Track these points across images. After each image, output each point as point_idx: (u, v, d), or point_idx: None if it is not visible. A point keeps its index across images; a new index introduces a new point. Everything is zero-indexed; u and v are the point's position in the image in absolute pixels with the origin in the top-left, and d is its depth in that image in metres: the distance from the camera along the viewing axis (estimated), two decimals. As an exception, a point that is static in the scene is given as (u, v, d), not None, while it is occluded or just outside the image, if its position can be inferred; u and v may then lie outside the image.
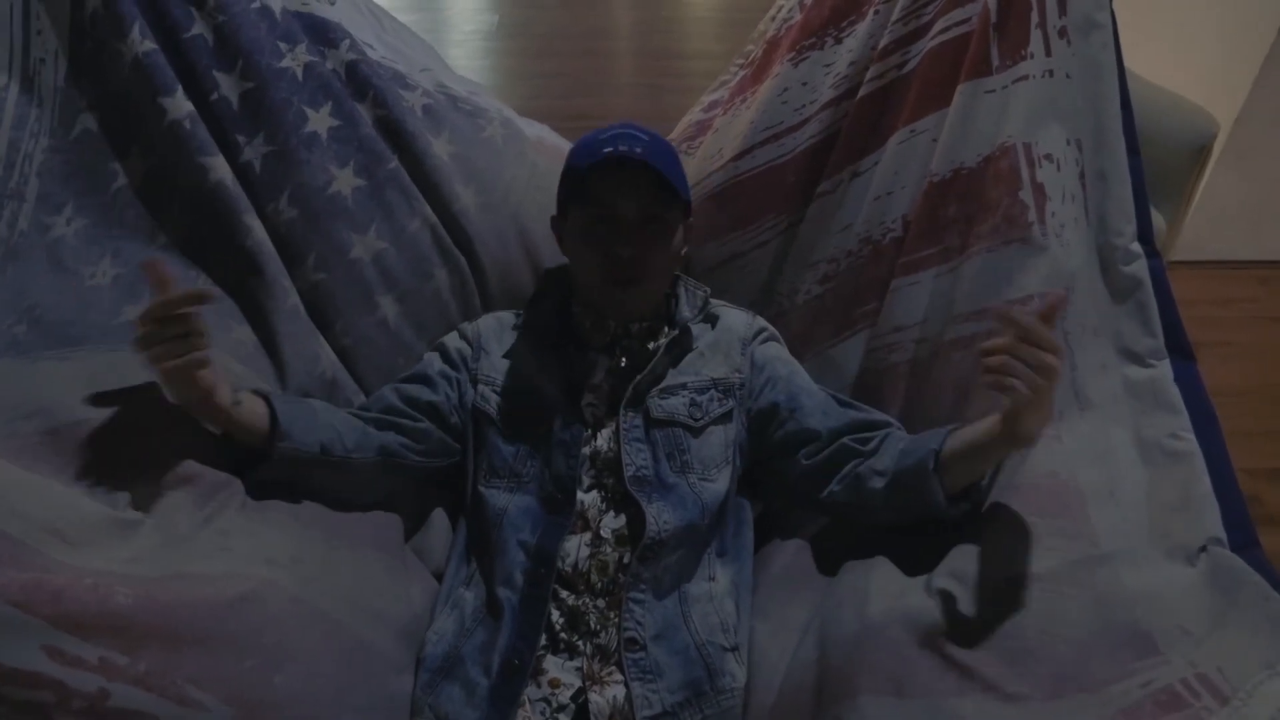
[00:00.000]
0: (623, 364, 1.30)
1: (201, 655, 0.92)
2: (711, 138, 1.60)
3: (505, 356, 1.34)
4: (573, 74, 4.66)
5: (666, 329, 1.34)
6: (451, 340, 1.38)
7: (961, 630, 0.99)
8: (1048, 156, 1.26)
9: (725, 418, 1.29)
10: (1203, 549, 1.02)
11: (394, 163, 1.37)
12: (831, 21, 1.46)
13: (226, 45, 1.27)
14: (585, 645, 1.16)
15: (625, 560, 1.19)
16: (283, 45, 1.31)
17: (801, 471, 1.25)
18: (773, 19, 1.57)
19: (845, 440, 1.22)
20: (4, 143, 1.18)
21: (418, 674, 1.18)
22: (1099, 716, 0.89)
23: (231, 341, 1.25)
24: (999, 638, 0.96)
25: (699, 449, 1.26)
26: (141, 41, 1.23)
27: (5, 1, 1.21)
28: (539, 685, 1.13)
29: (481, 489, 1.28)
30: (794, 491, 1.30)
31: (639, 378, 1.27)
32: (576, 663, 1.15)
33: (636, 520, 1.20)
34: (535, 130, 1.59)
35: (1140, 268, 1.24)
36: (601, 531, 1.21)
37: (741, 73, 1.61)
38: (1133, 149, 1.27)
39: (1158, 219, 2.06)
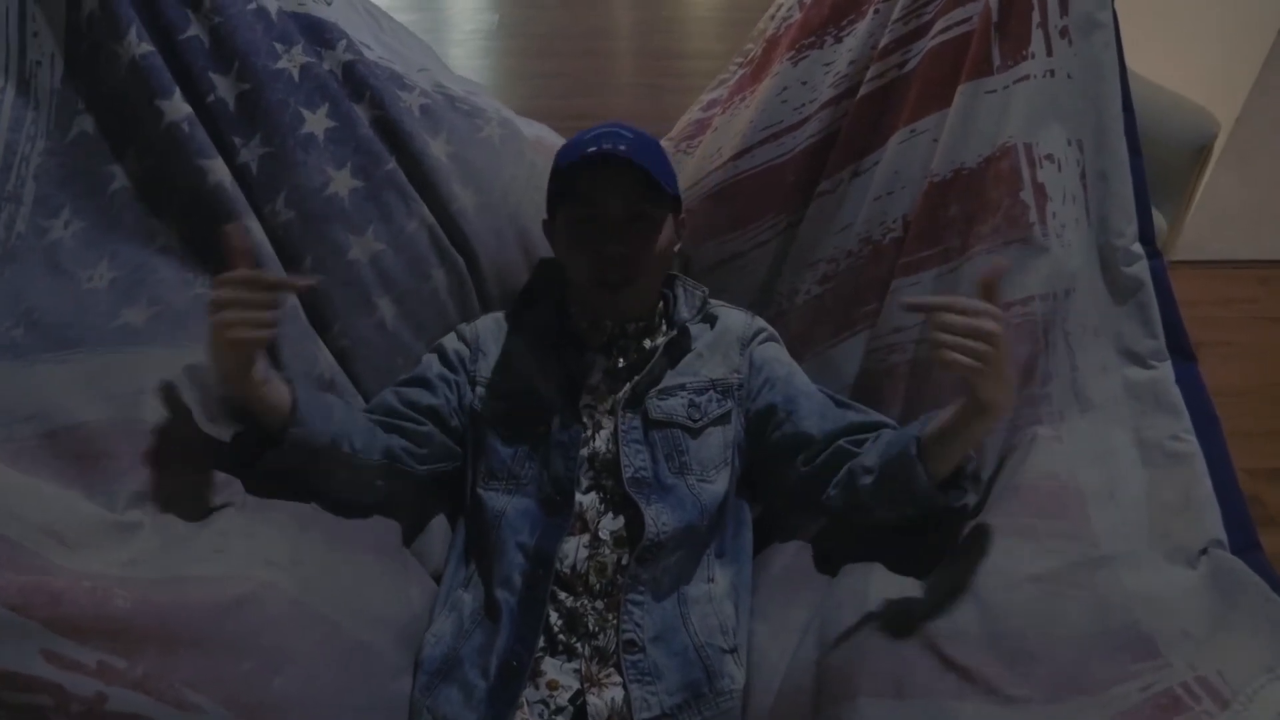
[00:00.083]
0: (620, 364, 1.30)
1: (199, 658, 0.92)
2: (711, 137, 1.60)
3: (504, 357, 1.34)
4: (573, 74, 4.65)
5: (664, 329, 1.34)
6: (450, 342, 1.37)
7: (961, 632, 0.98)
8: (1049, 157, 1.25)
9: (724, 419, 1.29)
10: (1203, 551, 1.02)
11: (391, 163, 1.37)
12: (831, 20, 1.46)
13: (222, 47, 1.26)
14: (583, 647, 1.15)
15: (624, 562, 1.19)
16: (279, 46, 1.30)
17: (800, 475, 1.25)
18: (772, 17, 1.57)
19: (841, 443, 1.22)
20: (0, 145, 1.18)
21: (416, 676, 1.17)
22: (1099, 719, 0.89)
23: (230, 342, 1.25)
24: (999, 639, 0.96)
25: (698, 450, 1.26)
26: (138, 44, 1.22)
27: (1, 3, 1.21)
28: (537, 687, 1.13)
29: (480, 491, 1.28)
30: (793, 495, 1.30)
31: (637, 379, 1.27)
32: (575, 664, 1.15)
33: (635, 522, 1.19)
34: (534, 130, 1.59)
35: (1141, 268, 1.24)
36: (600, 533, 1.21)
37: (741, 71, 1.61)
38: (1134, 149, 1.26)
39: (1159, 219, 2.05)
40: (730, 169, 1.51)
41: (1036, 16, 1.25)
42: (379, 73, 1.39)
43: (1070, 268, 1.23)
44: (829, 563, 1.24)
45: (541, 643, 1.15)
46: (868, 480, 1.16)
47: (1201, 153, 2.38)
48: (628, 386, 1.27)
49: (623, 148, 1.19)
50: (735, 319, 1.38)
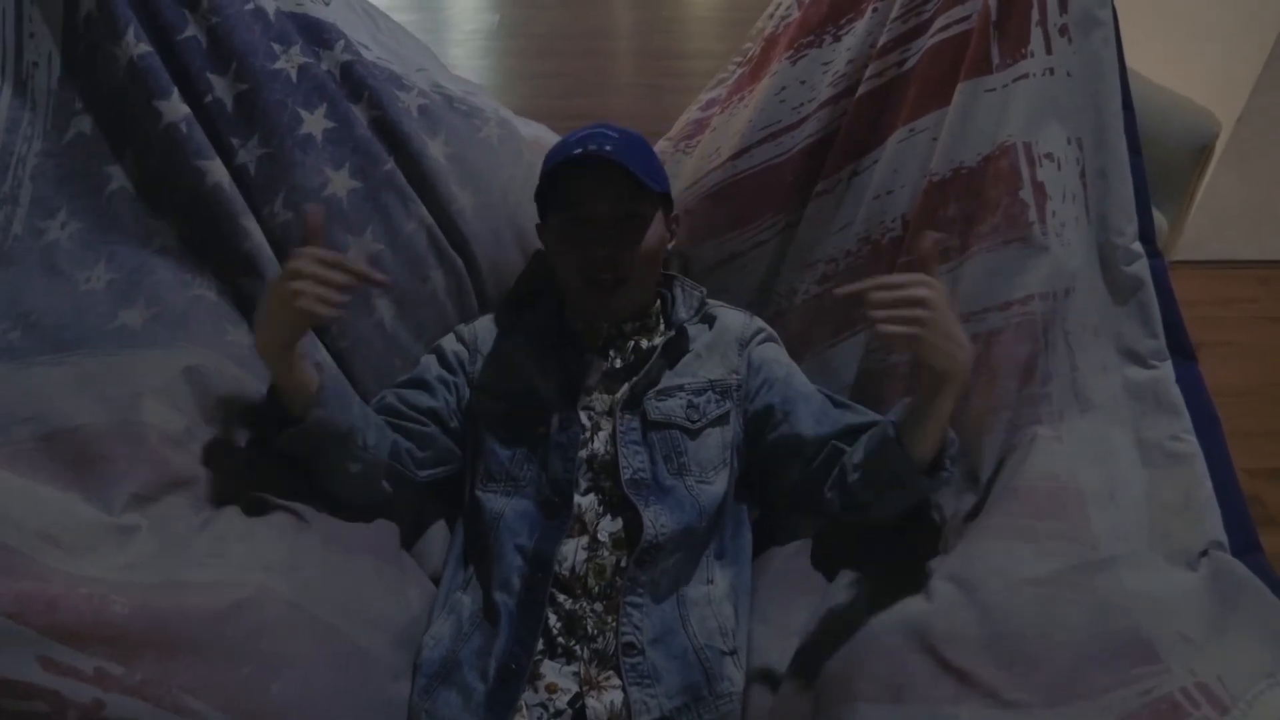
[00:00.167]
0: (617, 365, 1.30)
1: (198, 664, 0.92)
2: (709, 136, 1.59)
3: (503, 358, 1.33)
4: (573, 74, 4.65)
5: (662, 330, 1.34)
6: (448, 343, 1.37)
7: (960, 635, 0.98)
8: (1048, 155, 1.25)
9: (722, 419, 1.29)
10: (1204, 553, 1.02)
11: (390, 164, 1.36)
12: (830, 19, 1.45)
13: (220, 47, 1.26)
14: (582, 650, 1.15)
15: (622, 564, 1.18)
16: (277, 47, 1.30)
17: (798, 478, 1.25)
18: (771, 16, 1.57)
19: (835, 444, 1.21)
20: (-3, 146, 1.18)
21: (415, 679, 1.17)
22: (1098, 724, 0.88)
23: (228, 344, 1.24)
24: (998, 642, 0.96)
25: (696, 451, 1.25)
26: (136, 44, 1.22)
27: (-2, 4, 1.21)
28: (536, 690, 1.12)
29: (478, 493, 1.27)
30: (792, 497, 1.30)
31: (635, 379, 1.27)
32: (574, 667, 1.14)
33: (634, 524, 1.19)
34: (532, 130, 1.58)
35: (1141, 267, 1.24)
36: (599, 535, 1.20)
37: (739, 71, 1.61)
38: (1134, 148, 1.26)
39: (1159, 219, 2.05)
40: (729, 169, 1.51)
41: (1035, 14, 1.25)
42: (377, 73, 1.38)
43: (1070, 267, 1.23)
44: (828, 564, 1.24)
45: (540, 645, 1.14)
46: (856, 475, 1.16)
47: (1202, 153, 2.38)
48: (626, 387, 1.27)
49: (608, 148, 1.19)
50: (734, 319, 1.37)
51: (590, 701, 1.11)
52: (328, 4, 1.38)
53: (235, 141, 1.28)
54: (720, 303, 1.41)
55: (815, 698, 1.04)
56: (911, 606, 1.04)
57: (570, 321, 1.34)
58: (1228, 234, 2.84)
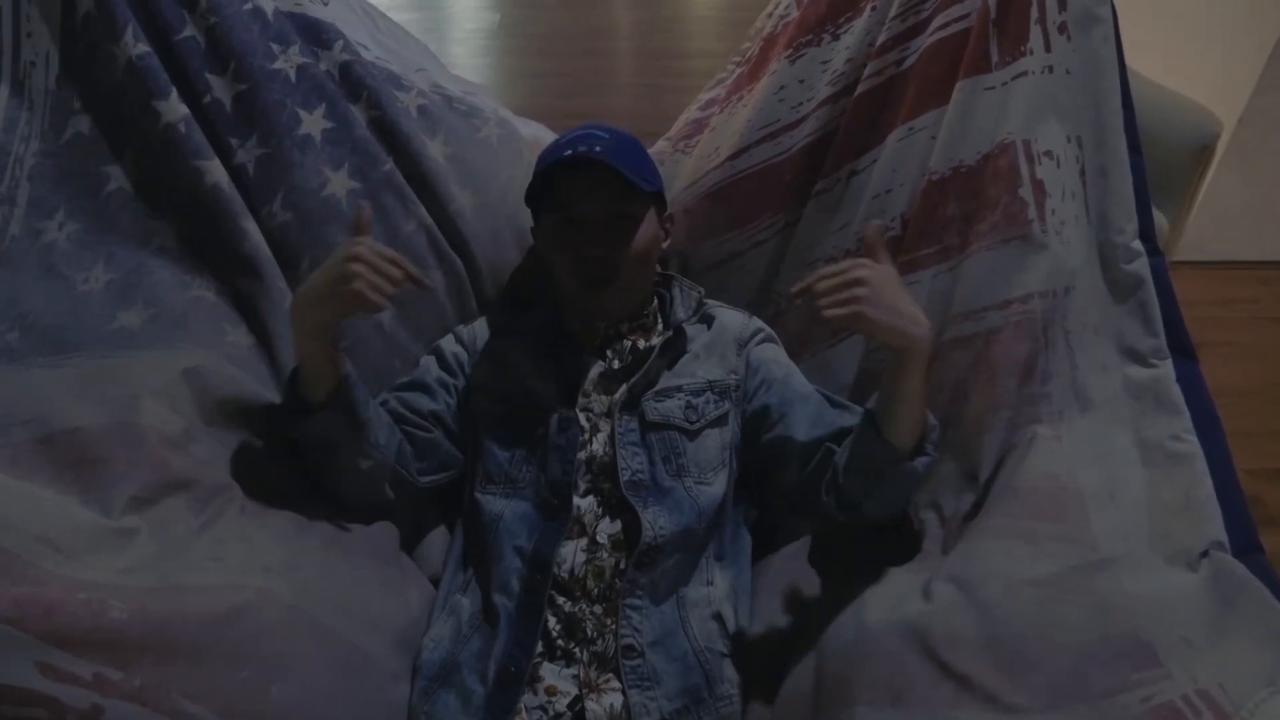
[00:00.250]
0: (615, 366, 1.29)
1: (197, 668, 0.91)
2: (708, 136, 1.59)
3: (502, 359, 1.33)
4: (573, 73, 4.65)
5: (660, 330, 1.34)
6: (447, 344, 1.37)
7: (959, 637, 0.97)
8: (1047, 153, 1.25)
9: (721, 420, 1.28)
10: (1204, 554, 1.01)
11: (389, 164, 1.36)
12: (829, 18, 1.45)
13: (218, 47, 1.26)
14: (582, 652, 1.15)
15: (622, 566, 1.18)
16: (275, 47, 1.30)
17: (794, 482, 1.24)
18: (770, 15, 1.56)
19: (828, 446, 1.21)
20: (-6, 147, 1.18)
21: (414, 681, 1.17)
22: (1098, 730, 0.88)
23: (227, 344, 1.24)
24: (997, 645, 0.95)
25: (695, 452, 1.25)
26: (135, 44, 1.22)
27: (-5, 4, 1.20)
28: (535, 693, 1.12)
29: (477, 495, 1.27)
30: (791, 500, 1.29)
31: (633, 380, 1.26)
32: (573, 670, 1.14)
33: (632, 525, 1.19)
34: (532, 130, 1.58)
35: (1142, 266, 1.23)
36: (598, 537, 1.20)
37: (738, 70, 1.60)
38: (1134, 147, 1.26)
39: (1160, 219, 2.04)
40: (728, 168, 1.51)
41: (1035, 12, 1.25)
42: (376, 73, 1.38)
43: (1070, 265, 1.22)
44: (827, 566, 1.24)
45: (540, 648, 1.14)
46: (845, 473, 1.16)
47: (1203, 153, 2.37)
48: (624, 388, 1.26)
49: (598, 149, 1.20)
50: (732, 319, 1.37)
51: (590, 704, 1.11)
52: (326, 4, 1.38)
53: (234, 142, 1.28)
54: (719, 303, 1.41)
55: (815, 700, 1.04)
56: (911, 608, 1.03)
57: (568, 322, 1.34)
58: (1229, 234, 2.83)
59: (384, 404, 1.30)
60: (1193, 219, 2.80)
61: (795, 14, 1.49)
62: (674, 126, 1.69)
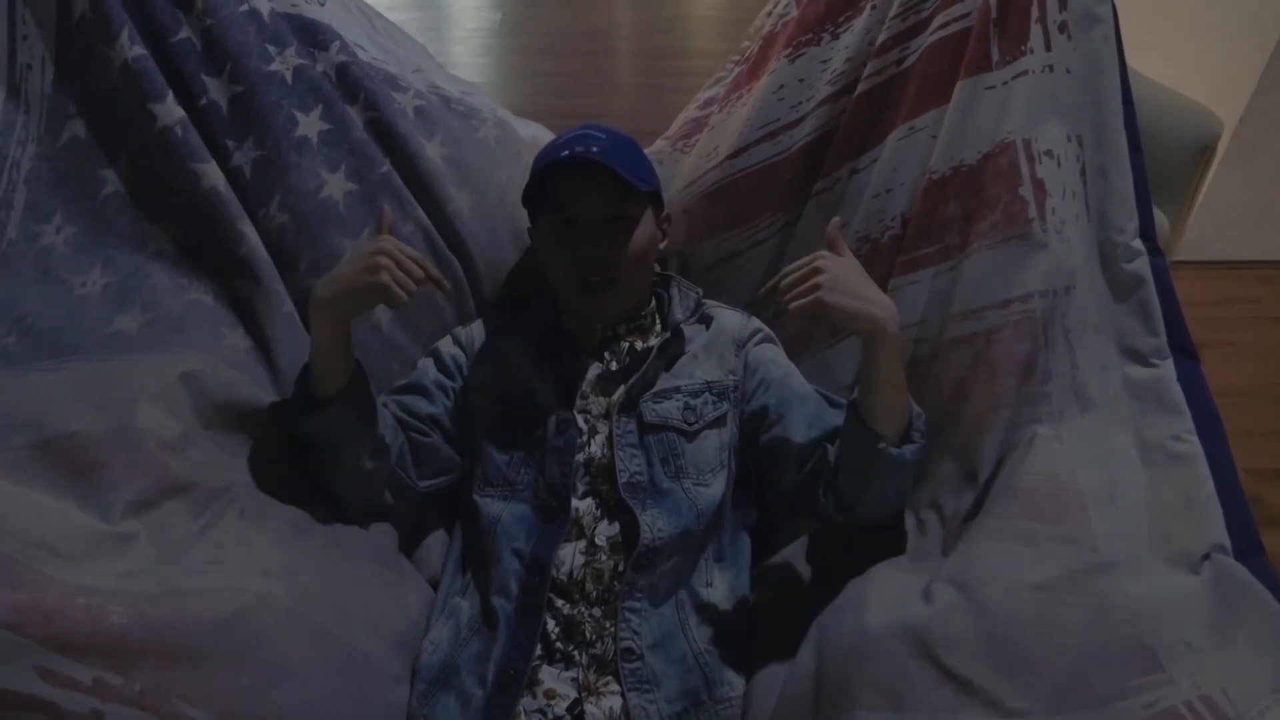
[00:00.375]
0: (613, 368, 1.29)
1: (196, 673, 0.91)
2: (707, 135, 1.59)
3: (500, 361, 1.33)
4: (574, 73, 4.65)
5: (658, 331, 1.33)
6: (445, 346, 1.37)
7: (959, 639, 0.97)
8: (1048, 152, 1.24)
9: (719, 421, 1.28)
10: (1206, 556, 1.00)
11: (386, 166, 1.36)
12: (828, 17, 1.45)
13: (214, 49, 1.26)
14: (581, 655, 1.14)
15: (620, 568, 1.18)
16: (271, 48, 1.29)
17: (793, 483, 1.24)
18: (769, 14, 1.56)
19: (825, 446, 1.20)
20: (-10, 151, 1.17)
21: (413, 684, 1.16)
22: (1100, 735, 0.88)
23: (224, 348, 1.24)
24: (998, 648, 0.95)
25: (693, 454, 1.25)
26: (131, 47, 1.21)
27: (-10, 7, 1.20)
28: (534, 696, 1.11)
29: (476, 497, 1.27)
30: (790, 501, 1.29)
31: (630, 382, 1.26)
32: (572, 673, 1.13)
33: (631, 527, 1.18)
34: (530, 130, 1.58)
35: (1142, 265, 1.23)
36: (596, 539, 1.20)
37: (737, 69, 1.60)
38: (1135, 146, 1.25)
39: (1161, 218, 2.04)
40: (727, 168, 1.51)
41: (1035, 11, 1.25)
42: (373, 74, 1.38)
43: (1070, 264, 1.22)
44: (828, 568, 1.23)
45: (539, 651, 1.14)
46: (837, 469, 1.16)
47: (1204, 152, 2.37)
48: (621, 390, 1.26)
49: (595, 150, 1.19)
50: (731, 320, 1.37)
51: (589, 707, 1.11)
52: (323, 4, 1.38)
53: (230, 144, 1.27)
54: (717, 303, 1.40)
55: (815, 703, 1.03)
56: (911, 610, 1.03)
57: (565, 323, 1.33)
58: (1229, 234, 2.83)
59: (383, 407, 1.30)
60: (1193, 219, 2.79)
61: (795, 13, 1.49)
62: (673, 125, 1.69)
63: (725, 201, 1.51)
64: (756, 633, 1.22)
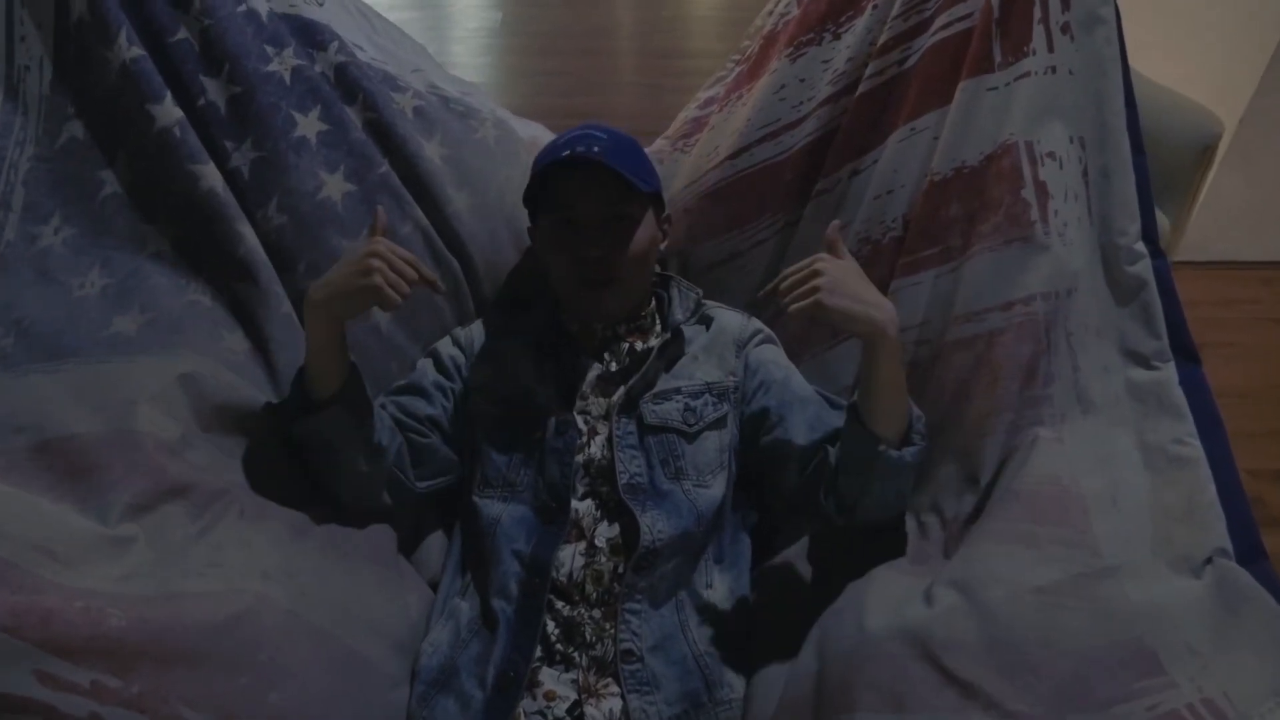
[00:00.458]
0: (613, 368, 1.29)
1: (195, 675, 0.91)
2: (708, 135, 1.58)
3: (499, 361, 1.33)
4: (574, 72, 4.65)
5: (658, 332, 1.33)
6: (444, 347, 1.36)
7: (961, 642, 0.96)
8: (1050, 154, 1.24)
9: (719, 422, 1.28)
10: (1208, 560, 1.00)
11: (385, 166, 1.36)
12: (829, 17, 1.44)
13: (213, 50, 1.25)
14: (581, 657, 1.14)
15: (620, 570, 1.17)
16: (270, 49, 1.29)
17: (794, 485, 1.24)
18: (770, 14, 1.56)
19: (825, 448, 1.20)
20: (-12, 152, 1.17)
21: (413, 686, 1.16)
22: (1102, 738, 0.87)
23: (223, 349, 1.24)
24: (1000, 652, 0.94)
25: (693, 455, 1.24)
26: (129, 48, 1.21)
27: (-12, 9, 1.20)
28: (534, 698, 1.11)
29: (475, 499, 1.26)
30: (791, 503, 1.28)
31: (630, 383, 1.26)
32: (572, 675, 1.13)
33: (630, 529, 1.18)
34: (529, 130, 1.57)
35: (1144, 267, 1.22)
36: (596, 540, 1.19)
37: (738, 69, 1.60)
38: (1137, 148, 1.25)
39: (1162, 219, 2.04)
40: (728, 168, 1.50)
41: (1038, 12, 1.24)
42: (372, 74, 1.37)
43: (1072, 266, 1.22)
44: (828, 570, 1.23)
45: (539, 652, 1.13)
46: (837, 471, 1.16)
47: (1205, 153, 2.37)
48: (621, 391, 1.26)
49: (596, 150, 1.19)
50: (731, 320, 1.37)
51: (589, 709, 1.10)
52: (321, 5, 1.37)
53: (229, 145, 1.27)
54: (718, 303, 1.40)
55: (816, 705, 1.03)
56: (912, 612, 1.02)
57: (566, 323, 1.33)
58: (1230, 235, 2.83)
59: (381, 409, 1.29)
60: (1194, 219, 2.79)
61: (796, 12, 1.49)
62: (673, 125, 1.68)
63: (726, 201, 1.51)
64: (757, 634, 1.22)
